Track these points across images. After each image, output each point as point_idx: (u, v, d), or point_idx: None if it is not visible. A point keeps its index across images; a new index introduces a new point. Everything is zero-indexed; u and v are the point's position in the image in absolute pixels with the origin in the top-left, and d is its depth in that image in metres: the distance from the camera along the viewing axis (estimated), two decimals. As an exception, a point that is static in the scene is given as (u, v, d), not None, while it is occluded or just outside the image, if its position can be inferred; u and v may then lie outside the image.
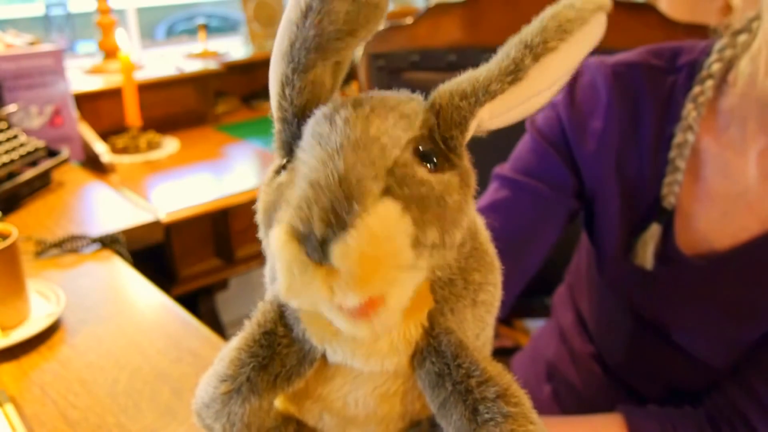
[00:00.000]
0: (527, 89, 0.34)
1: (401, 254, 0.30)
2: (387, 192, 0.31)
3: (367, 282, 0.29)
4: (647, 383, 0.76)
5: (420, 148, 0.33)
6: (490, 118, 0.35)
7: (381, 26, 0.37)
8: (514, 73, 0.33)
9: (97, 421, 0.63)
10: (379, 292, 0.30)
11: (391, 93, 0.36)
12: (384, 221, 0.29)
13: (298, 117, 0.36)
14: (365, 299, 0.30)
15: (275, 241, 0.30)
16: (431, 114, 0.35)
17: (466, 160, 0.36)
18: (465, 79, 0.35)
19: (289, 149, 0.36)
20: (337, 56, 0.36)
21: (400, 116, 0.33)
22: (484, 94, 0.34)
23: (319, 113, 0.34)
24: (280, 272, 0.30)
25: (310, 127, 0.34)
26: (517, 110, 0.36)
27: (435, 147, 0.34)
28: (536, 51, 0.33)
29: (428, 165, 0.33)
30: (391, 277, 0.29)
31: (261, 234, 0.36)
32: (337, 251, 0.28)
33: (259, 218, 0.36)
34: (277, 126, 0.37)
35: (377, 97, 0.35)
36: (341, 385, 0.40)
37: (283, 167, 0.35)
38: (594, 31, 0.35)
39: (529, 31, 0.34)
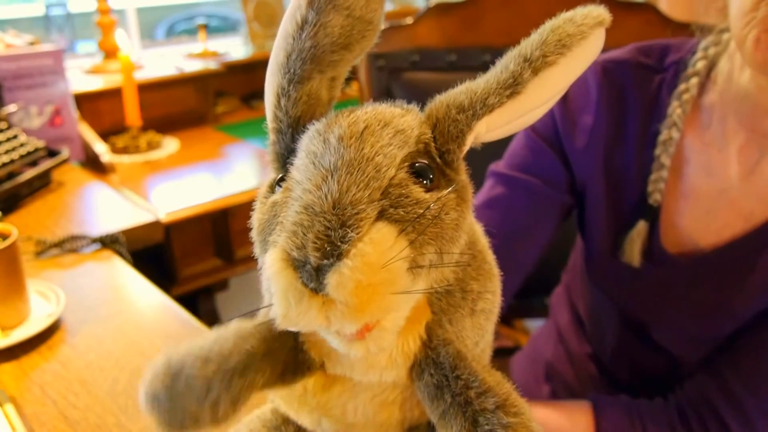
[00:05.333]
0: (525, 103, 0.34)
1: (398, 280, 0.29)
2: (382, 215, 0.30)
3: (363, 311, 0.29)
4: (638, 381, 0.76)
5: (416, 164, 0.33)
6: (488, 131, 0.35)
7: (374, 42, 0.37)
8: (513, 87, 0.33)
9: (97, 421, 0.63)
10: (375, 318, 0.30)
11: (386, 106, 0.35)
12: (379, 248, 0.29)
13: (292, 127, 0.36)
14: (361, 326, 0.30)
15: (270, 267, 0.30)
16: (427, 127, 0.34)
17: (463, 174, 0.36)
18: (462, 91, 0.34)
19: (283, 162, 0.35)
20: (333, 70, 0.36)
21: (395, 132, 0.33)
22: (482, 107, 0.33)
23: (312, 129, 0.34)
24: (275, 299, 0.30)
25: (304, 144, 0.33)
26: (514, 123, 0.35)
27: (431, 162, 0.34)
28: (535, 65, 0.33)
29: (424, 182, 0.33)
30: (387, 304, 0.29)
31: (256, 251, 0.36)
32: (332, 282, 0.28)
33: (254, 236, 0.36)
34: (271, 137, 0.37)
35: (371, 111, 0.34)
36: (340, 392, 0.39)
37: (278, 183, 0.35)
38: (593, 46, 0.34)
39: (528, 45, 0.33)
